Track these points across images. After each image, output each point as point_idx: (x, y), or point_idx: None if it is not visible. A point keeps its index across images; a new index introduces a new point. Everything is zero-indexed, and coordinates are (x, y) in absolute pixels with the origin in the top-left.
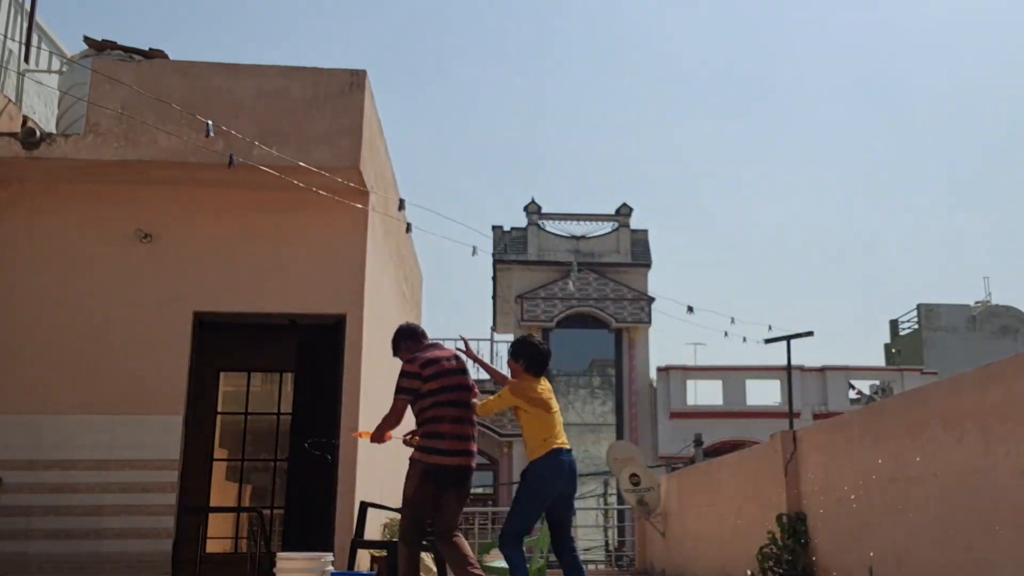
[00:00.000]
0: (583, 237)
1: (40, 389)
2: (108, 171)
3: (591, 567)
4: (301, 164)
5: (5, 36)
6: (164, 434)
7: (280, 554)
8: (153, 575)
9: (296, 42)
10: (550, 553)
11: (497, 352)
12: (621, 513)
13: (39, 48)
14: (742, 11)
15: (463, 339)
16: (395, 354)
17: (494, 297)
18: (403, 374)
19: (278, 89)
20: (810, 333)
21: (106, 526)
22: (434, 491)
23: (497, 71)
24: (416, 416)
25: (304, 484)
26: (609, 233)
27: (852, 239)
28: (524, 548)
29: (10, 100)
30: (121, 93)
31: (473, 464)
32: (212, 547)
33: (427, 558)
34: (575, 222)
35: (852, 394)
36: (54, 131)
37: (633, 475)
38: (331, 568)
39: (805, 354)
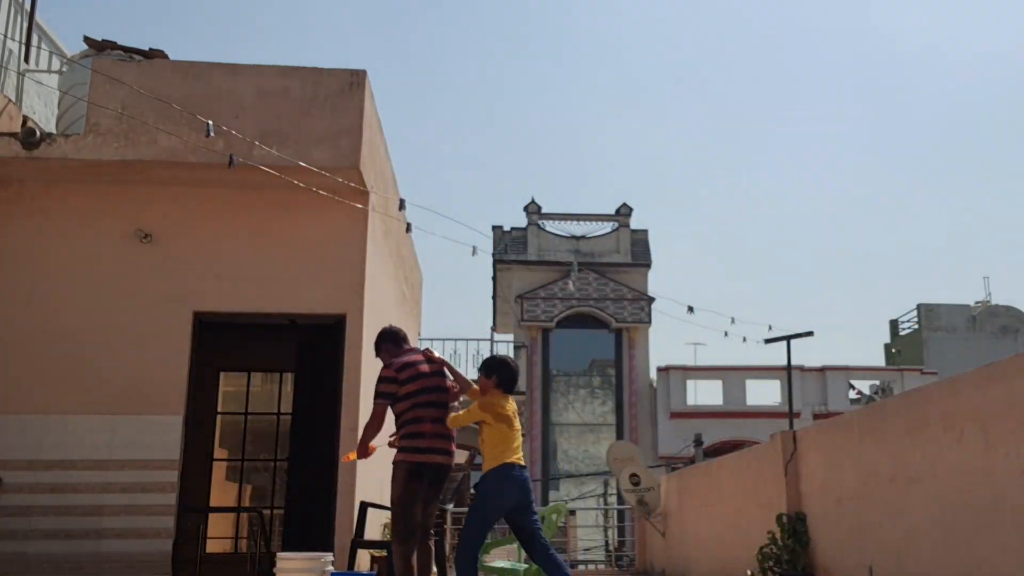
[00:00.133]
0: (583, 237)
1: (40, 389)
2: (108, 171)
3: (591, 567)
4: (301, 164)
5: (5, 36)
6: (164, 434)
7: (280, 554)
8: (153, 575)
9: (296, 42)
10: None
11: (497, 353)
12: (621, 513)
13: (39, 48)
14: (742, 9)
15: (427, 350)
16: (377, 355)
17: (494, 297)
18: (380, 379)
19: (278, 89)
20: (810, 333)
21: (106, 526)
22: (420, 489)
23: (497, 71)
24: (396, 418)
25: (304, 484)
26: (609, 233)
27: (852, 239)
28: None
29: (10, 100)
30: (121, 93)
31: (452, 463)
32: (212, 547)
33: None
34: (575, 222)
35: (852, 394)
36: (54, 131)
37: (633, 475)
38: (331, 568)
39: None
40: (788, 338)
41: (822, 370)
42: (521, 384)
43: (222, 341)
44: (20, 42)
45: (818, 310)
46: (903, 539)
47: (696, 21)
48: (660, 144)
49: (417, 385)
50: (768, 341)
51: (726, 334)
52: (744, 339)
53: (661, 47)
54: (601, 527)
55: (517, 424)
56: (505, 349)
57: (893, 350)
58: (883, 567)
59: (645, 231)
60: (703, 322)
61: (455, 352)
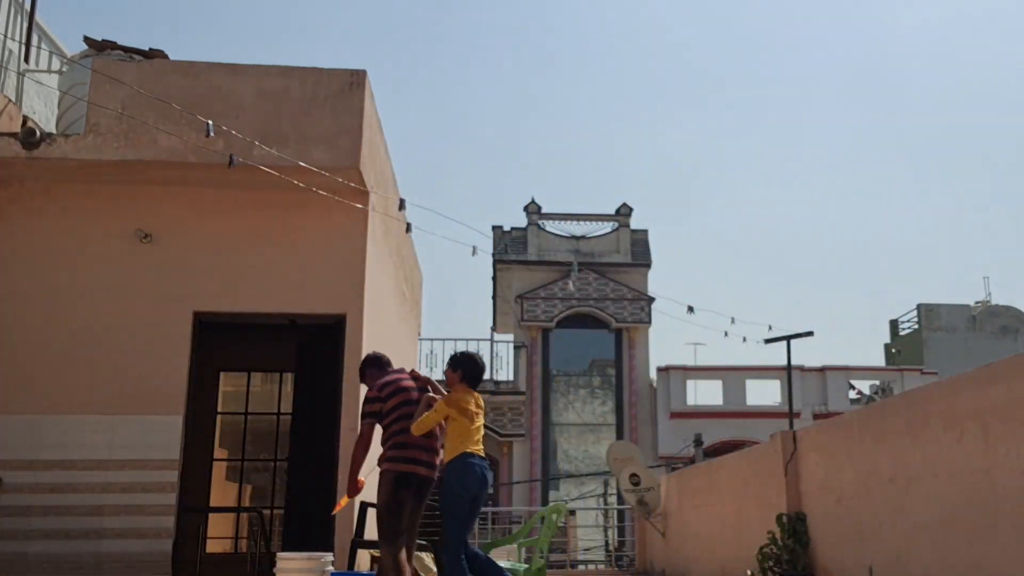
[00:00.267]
0: (583, 237)
1: (40, 389)
2: (108, 171)
3: (591, 567)
4: (301, 164)
5: (5, 36)
6: (164, 434)
7: (280, 554)
8: (153, 575)
9: (296, 42)
10: (550, 553)
11: (497, 353)
12: (621, 513)
13: (39, 48)
14: (742, 9)
15: (413, 370)
16: (362, 381)
17: (494, 297)
18: (365, 400)
19: (278, 89)
20: (810, 333)
21: (106, 526)
22: (407, 496)
23: (497, 70)
24: (384, 433)
25: (304, 484)
26: (609, 233)
27: (852, 239)
28: (523, 549)
29: (10, 100)
30: (121, 93)
31: (435, 477)
32: (212, 547)
33: (427, 558)
34: (575, 222)
35: (852, 394)
36: (54, 131)
37: (633, 475)
38: (331, 568)
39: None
40: (788, 338)
41: (822, 370)
42: (521, 384)
43: (222, 341)
44: (20, 42)
45: (818, 310)
46: (903, 539)
47: (696, 21)
48: (660, 144)
49: (400, 399)
50: (768, 341)
51: (726, 334)
52: (744, 339)
53: (661, 47)
54: (601, 527)
55: (480, 420)
56: (505, 349)
57: (893, 350)
58: (883, 567)
59: (645, 231)
60: (703, 322)
61: (455, 352)
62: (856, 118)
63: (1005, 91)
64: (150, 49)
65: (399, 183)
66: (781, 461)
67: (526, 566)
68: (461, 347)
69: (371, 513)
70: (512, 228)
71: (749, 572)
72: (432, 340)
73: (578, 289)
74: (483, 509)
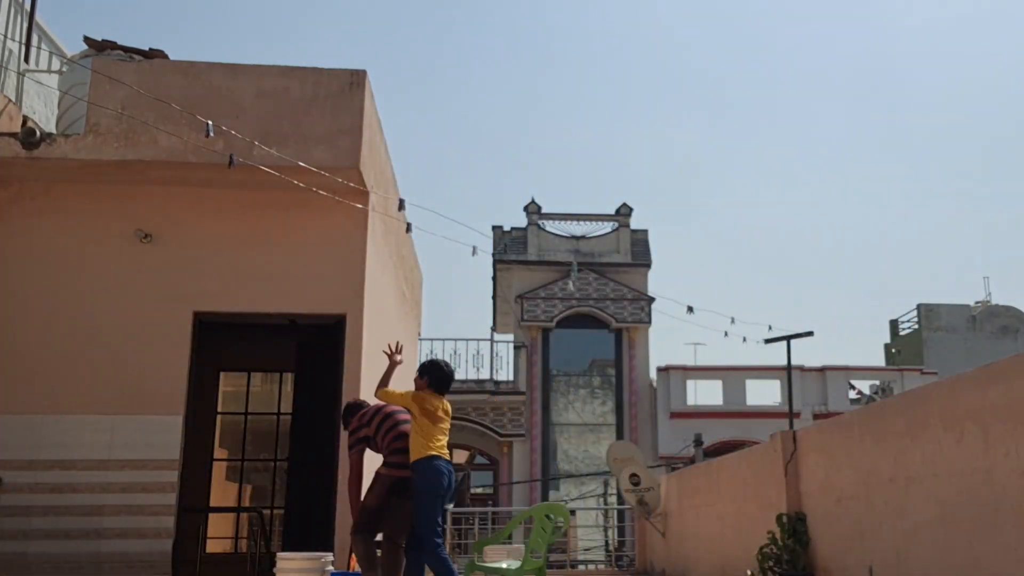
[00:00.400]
0: (583, 237)
1: (40, 389)
2: (108, 171)
3: (591, 567)
4: (301, 164)
5: (5, 36)
6: (164, 434)
7: (280, 554)
8: (153, 575)
9: (296, 42)
10: (549, 552)
11: (497, 353)
12: (621, 513)
13: (39, 48)
14: (743, 8)
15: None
16: (345, 428)
17: (494, 297)
18: (350, 433)
19: (278, 89)
20: (810, 333)
21: (106, 526)
22: (393, 501)
23: (497, 70)
24: (384, 450)
25: (304, 484)
26: (609, 233)
27: (852, 239)
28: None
29: (10, 100)
30: (121, 93)
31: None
32: (212, 547)
33: None
34: (575, 222)
35: (852, 394)
36: (54, 131)
37: (633, 475)
38: (331, 568)
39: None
40: (788, 338)
41: (822, 370)
42: (521, 384)
43: (222, 341)
44: (20, 42)
45: (818, 310)
46: (903, 539)
47: (697, 21)
48: (661, 144)
49: (383, 415)
50: (768, 341)
51: (726, 334)
52: (744, 339)
53: (662, 47)
54: (601, 527)
55: (445, 423)
56: (505, 349)
57: (893, 350)
58: (883, 567)
59: (645, 231)
60: (703, 322)
61: (455, 352)
62: (857, 118)
63: (1005, 91)
64: (150, 49)
65: (399, 183)
66: (781, 461)
67: (518, 563)
68: (461, 347)
69: None
70: (512, 228)
71: (749, 572)
72: (432, 340)
73: (578, 289)
74: (483, 509)
